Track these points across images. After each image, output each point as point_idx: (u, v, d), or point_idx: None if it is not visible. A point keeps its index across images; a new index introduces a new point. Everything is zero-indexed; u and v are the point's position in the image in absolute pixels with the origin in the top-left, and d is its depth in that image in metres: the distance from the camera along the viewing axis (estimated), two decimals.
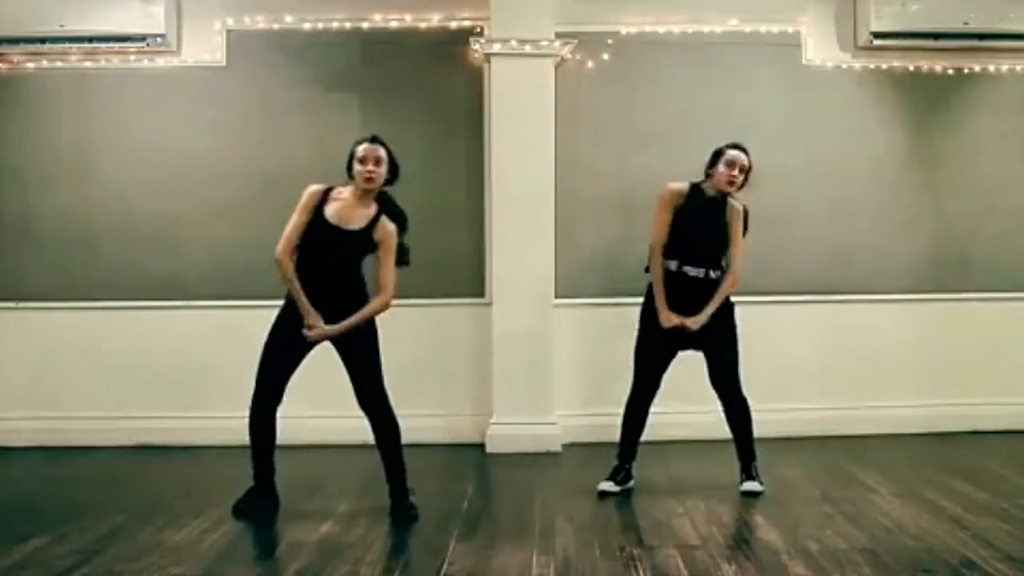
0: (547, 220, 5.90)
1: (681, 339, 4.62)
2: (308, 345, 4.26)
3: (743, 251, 4.69)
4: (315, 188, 4.26)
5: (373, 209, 4.25)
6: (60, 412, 6.03)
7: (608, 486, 4.65)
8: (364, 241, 4.22)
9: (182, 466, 5.52)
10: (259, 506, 4.30)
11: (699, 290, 4.61)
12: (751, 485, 4.62)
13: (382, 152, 4.22)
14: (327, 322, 4.19)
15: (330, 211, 4.20)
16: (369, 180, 4.18)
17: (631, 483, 4.72)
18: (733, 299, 4.69)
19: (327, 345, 4.28)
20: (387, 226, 4.26)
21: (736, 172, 4.58)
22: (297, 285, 4.18)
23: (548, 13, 5.88)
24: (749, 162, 4.62)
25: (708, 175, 4.66)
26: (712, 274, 4.63)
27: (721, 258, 4.67)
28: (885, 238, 6.25)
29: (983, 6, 6.07)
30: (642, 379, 4.69)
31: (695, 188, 4.68)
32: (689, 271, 4.61)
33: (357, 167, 4.20)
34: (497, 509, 4.55)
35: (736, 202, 4.69)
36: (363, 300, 4.26)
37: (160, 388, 6.05)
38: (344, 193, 4.26)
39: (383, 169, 4.21)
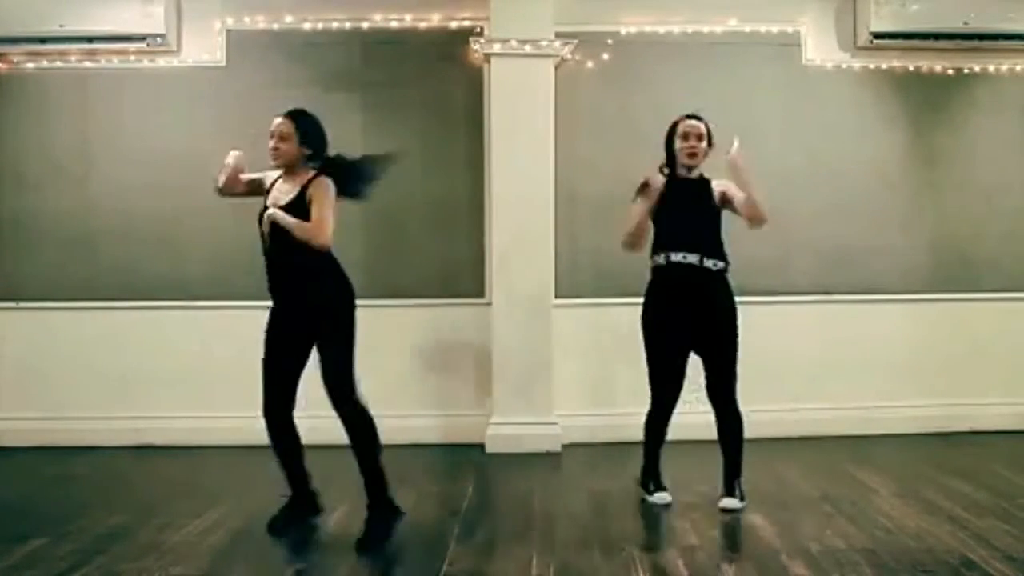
0: (547, 220, 5.90)
1: (686, 338, 4.40)
2: (307, 340, 4.02)
3: (758, 194, 4.31)
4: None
5: (306, 177, 4.04)
6: (60, 412, 6.03)
7: (659, 497, 4.50)
8: (296, 212, 3.94)
9: (182, 466, 5.51)
10: (297, 521, 4.09)
11: (696, 280, 4.34)
12: (730, 502, 4.33)
13: (285, 127, 4.04)
14: (286, 303, 4.03)
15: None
16: (274, 156, 4.07)
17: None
18: (736, 299, 4.62)
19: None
20: (319, 182, 4.00)
21: (693, 142, 4.37)
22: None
23: (548, 13, 5.88)
24: (706, 128, 4.41)
25: (671, 157, 4.46)
26: (708, 262, 4.34)
27: (717, 245, 4.40)
28: (885, 238, 6.25)
29: (983, 6, 6.06)
30: (659, 393, 4.47)
31: (670, 175, 4.44)
32: (681, 259, 4.33)
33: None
34: (497, 509, 4.55)
35: (718, 181, 4.46)
36: (316, 276, 3.99)
37: (160, 388, 6.05)
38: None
39: (287, 145, 4.03)
